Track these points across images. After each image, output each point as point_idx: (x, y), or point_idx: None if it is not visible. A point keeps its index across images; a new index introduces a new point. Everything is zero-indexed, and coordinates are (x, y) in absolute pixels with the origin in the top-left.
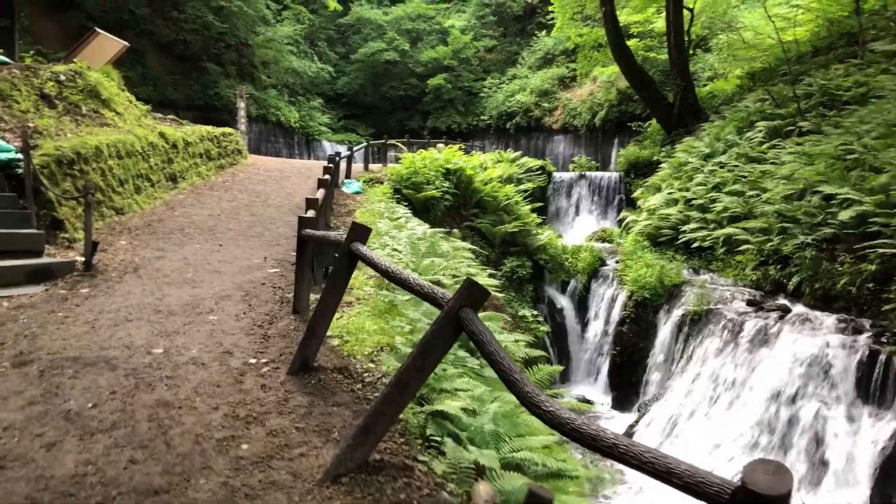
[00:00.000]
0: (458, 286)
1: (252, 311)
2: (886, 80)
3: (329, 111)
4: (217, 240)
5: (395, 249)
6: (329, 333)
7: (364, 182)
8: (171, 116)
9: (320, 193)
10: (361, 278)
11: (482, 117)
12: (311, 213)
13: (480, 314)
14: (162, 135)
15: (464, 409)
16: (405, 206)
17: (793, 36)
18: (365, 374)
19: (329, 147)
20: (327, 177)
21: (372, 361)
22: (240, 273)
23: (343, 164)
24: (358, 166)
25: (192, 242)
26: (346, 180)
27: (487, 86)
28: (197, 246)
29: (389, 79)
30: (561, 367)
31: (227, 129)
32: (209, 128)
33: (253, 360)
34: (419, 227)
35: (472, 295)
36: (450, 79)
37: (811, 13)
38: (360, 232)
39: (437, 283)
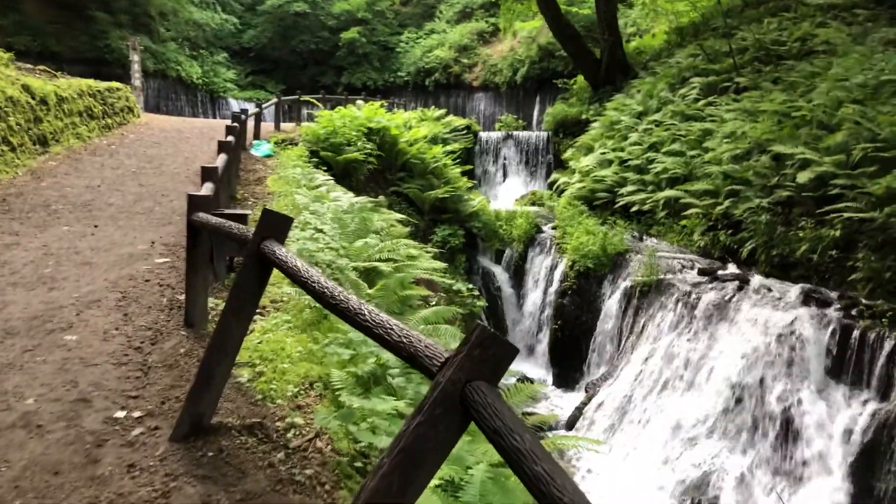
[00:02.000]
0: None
1: (128, 325)
2: (829, 34)
3: (235, 66)
4: (93, 219)
5: (318, 230)
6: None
7: (275, 144)
8: (41, 67)
9: (221, 160)
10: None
11: (399, 73)
12: (207, 189)
13: (431, 309)
14: (26, 88)
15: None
16: (324, 170)
17: None
18: (289, 434)
19: (236, 105)
20: (231, 138)
21: (298, 407)
22: (117, 265)
23: (251, 124)
24: (268, 126)
25: (59, 223)
26: (254, 142)
27: (404, 40)
28: (65, 228)
29: (300, 32)
30: (545, 387)
31: (115, 84)
32: (91, 81)
33: (120, 415)
34: (344, 197)
35: (489, 368)
36: (364, 32)
37: None
38: (277, 224)
39: (374, 271)
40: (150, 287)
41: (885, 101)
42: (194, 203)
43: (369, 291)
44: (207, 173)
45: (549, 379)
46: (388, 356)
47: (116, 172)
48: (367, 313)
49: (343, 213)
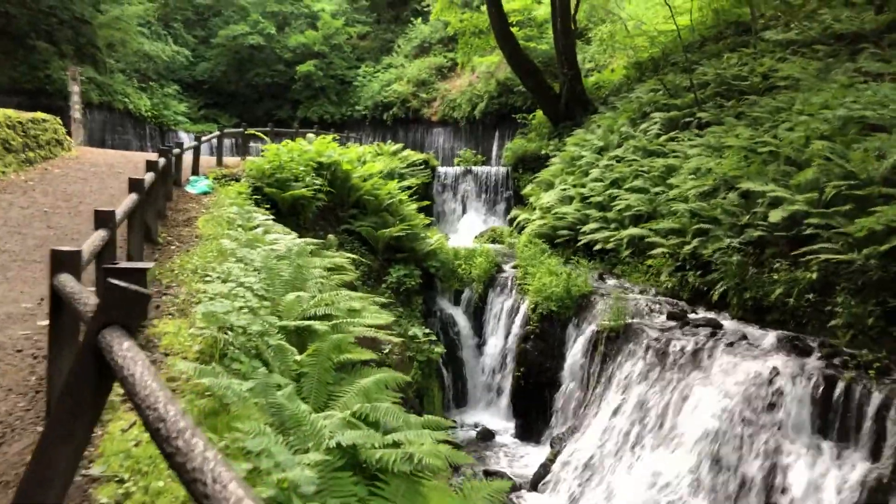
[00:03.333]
0: None
1: None
2: (792, 69)
3: (188, 99)
4: None
5: (242, 284)
6: (95, 472)
7: (215, 180)
8: None
9: (128, 201)
10: (182, 331)
11: (357, 107)
12: (96, 238)
13: (372, 378)
14: None
15: None
16: (266, 208)
17: (683, 24)
18: None
19: (187, 139)
20: (150, 175)
21: None
22: None
23: (188, 158)
24: (210, 160)
25: None
26: (191, 178)
27: (362, 74)
28: None
29: (255, 65)
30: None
31: (41, 115)
32: (10, 111)
33: None
34: (284, 240)
35: None
36: (321, 66)
37: (696, 1)
38: (127, 303)
39: (307, 330)
40: (19, 360)
41: (854, 138)
42: (58, 260)
43: (297, 358)
44: (101, 218)
45: (512, 429)
46: (298, 474)
47: (24, 212)
48: (208, 477)
49: (276, 260)
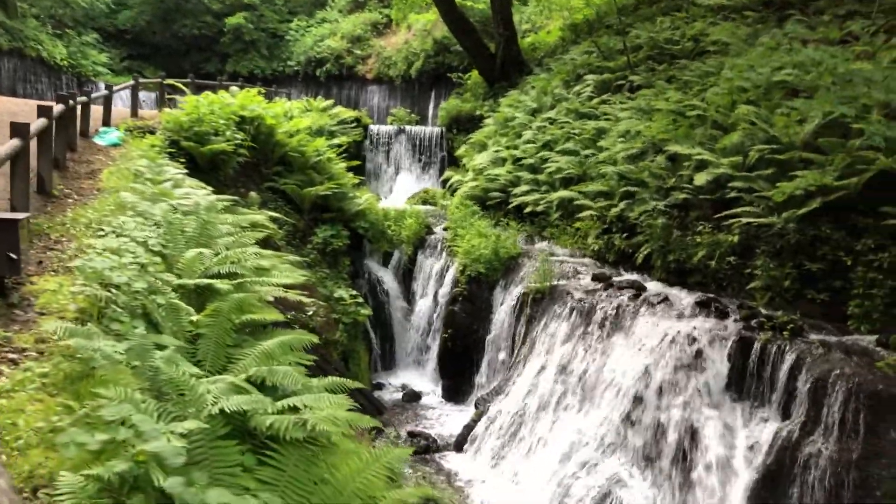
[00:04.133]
0: None
1: None
2: (721, 33)
3: (109, 49)
4: None
5: (135, 239)
6: None
7: (128, 131)
8: None
9: (5, 148)
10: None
11: (289, 63)
12: None
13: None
14: None
15: None
16: (183, 163)
17: None
18: None
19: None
20: (42, 121)
21: None
22: None
23: (97, 109)
24: (124, 112)
25: None
26: (101, 129)
27: (294, 28)
28: None
29: (182, 15)
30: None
31: None
32: None
33: None
34: (197, 194)
35: None
36: (251, 18)
37: None
38: None
39: (208, 289)
40: None
41: (778, 103)
42: None
43: (193, 319)
44: None
45: (439, 391)
46: (159, 445)
47: None
48: None
49: (182, 215)
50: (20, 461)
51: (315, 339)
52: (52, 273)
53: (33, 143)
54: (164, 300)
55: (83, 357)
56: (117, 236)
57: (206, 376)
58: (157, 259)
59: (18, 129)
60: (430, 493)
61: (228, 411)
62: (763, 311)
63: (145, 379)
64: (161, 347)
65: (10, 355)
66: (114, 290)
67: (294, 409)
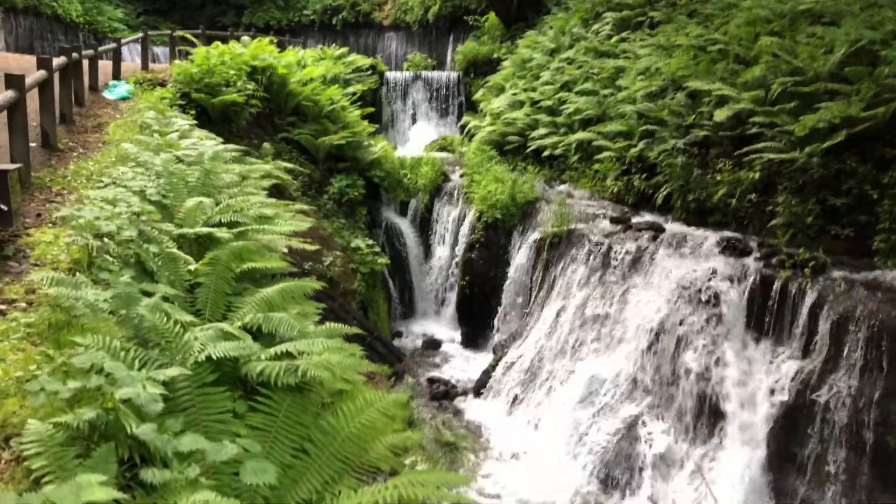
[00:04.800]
0: None
1: None
2: None
3: (124, 5)
4: None
5: (131, 190)
6: None
7: (138, 84)
8: None
9: (1, 98)
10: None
11: (305, 12)
12: None
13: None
14: None
15: None
16: (193, 115)
17: None
18: None
19: (127, 48)
20: (41, 73)
21: None
22: None
23: (105, 63)
24: (133, 65)
25: None
26: (111, 83)
27: None
28: None
29: None
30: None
31: None
32: None
33: None
34: (204, 145)
35: None
36: None
37: None
38: None
39: (209, 238)
40: None
41: (803, 32)
42: None
43: (192, 267)
44: None
45: (458, 338)
46: (131, 392)
47: None
48: None
49: (185, 166)
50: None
51: (317, 286)
52: (50, 225)
53: (35, 97)
54: (158, 249)
55: (65, 306)
56: (116, 187)
57: (203, 324)
58: (151, 208)
59: (13, 81)
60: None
61: (215, 358)
62: (784, 248)
63: (130, 327)
64: (145, 295)
65: (0, 306)
66: (106, 240)
67: (290, 356)
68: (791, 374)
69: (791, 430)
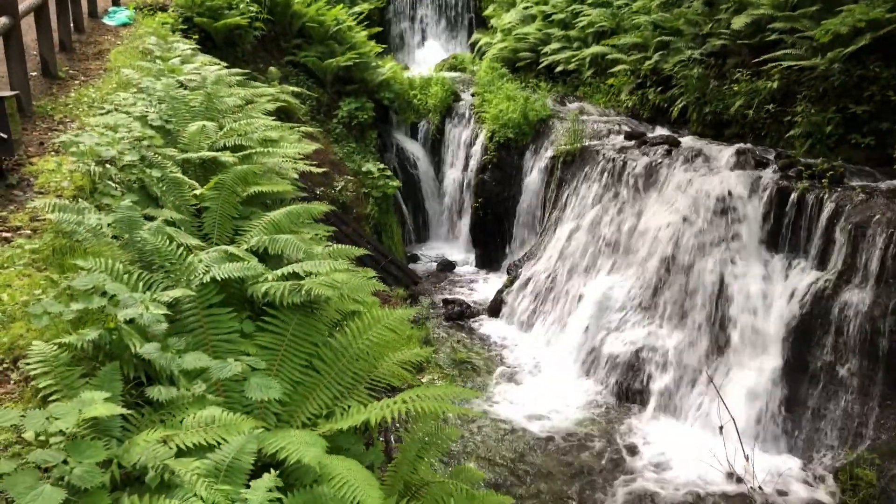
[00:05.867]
0: None
1: None
2: None
3: None
4: None
5: (132, 116)
6: None
7: (138, 10)
8: None
9: None
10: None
11: None
12: None
13: (283, 210)
14: None
15: None
16: (196, 40)
17: None
18: None
19: None
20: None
21: None
22: None
23: None
24: None
25: None
26: (111, 8)
27: None
28: None
29: None
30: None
31: None
32: None
33: None
34: (207, 70)
35: None
36: None
37: None
38: None
39: (214, 162)
40: None
41: None
42: None
43: (197, 192)
44: None
45: (472, 260)
46: (130, 312)
47: None
48: None
49: (187, 91)
50: (0, 334)
51: (325, 208)
52: (53, 153)
53: (31, 24)
54: (162, 174)
55: (67, 231)
56: (117, 113)
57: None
58: (153, 133)
59: (5, 7)
60: (426, 354)
61: (219, 279)
62: (802, 159)
63: (134, 251)
64: (147, 219)
65: (4, 234)
66: (108, 166)
67: (296, 277)
68: (807, 285)
69: (805, 340)
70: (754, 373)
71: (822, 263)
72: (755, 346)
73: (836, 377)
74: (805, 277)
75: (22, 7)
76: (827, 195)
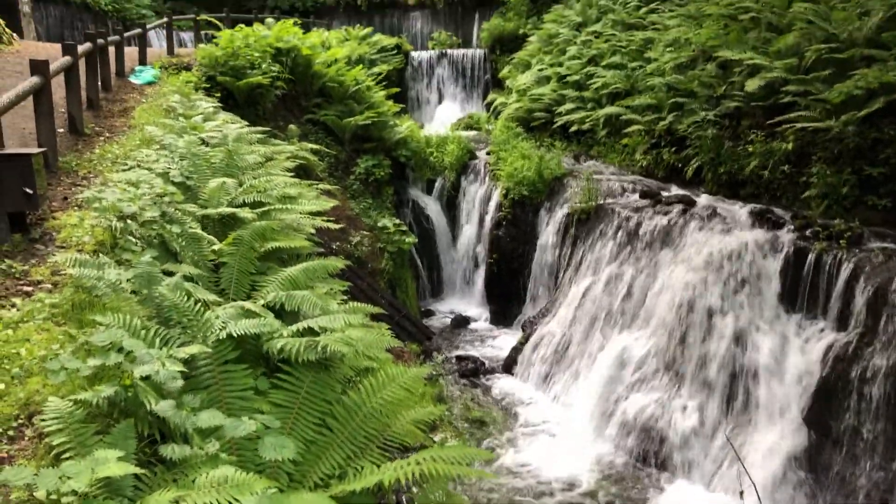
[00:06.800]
0: None
1: None
2: None
3: None
4: None
5: (154, 172)
6: None
7: (164, 69)
8: None
9: (23, 85)
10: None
11: None
12: None
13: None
14: None
15: None
16: (219, 98)
17: None
18: None
19: (154, 34)
20: (66, 59)
21: None
22: None
23: (131, 49)
24: (159, 51)
25: None
26: (137, 68)
27: None
28: None
29: None
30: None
31: None
32: None
33: None
34: (228, 127)
35: None
36: None
37: None
38: None
39: (233, 218)
40: None
41: None
42: None
43: (216, 247)
44: None
45: (487, 316)
46: (147, 369)
47: None
48: None
49: (208, 148)
50: (16, 389)
51: (341, 264)
52: (76, 208)
53: (62, 84)
54: (181, 229)
55: (87, 286)
56: (139, 169)
57: (227, 303)
58: (174, 189)
59: (38, 67)
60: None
61: (236, 335)
62: (819, 220)
63: (152, 306)
64: (166, 275)
65: (25, 288)
66: (129, 221)
67: (312, 333)
68: (827, 347)
69: (827, 403)
70: (775, 436)
71: (841, 325)
72: (775, 408)
73: (859, 441)
74: (824, 339)
75: (53, 67)
76: (845, 256)
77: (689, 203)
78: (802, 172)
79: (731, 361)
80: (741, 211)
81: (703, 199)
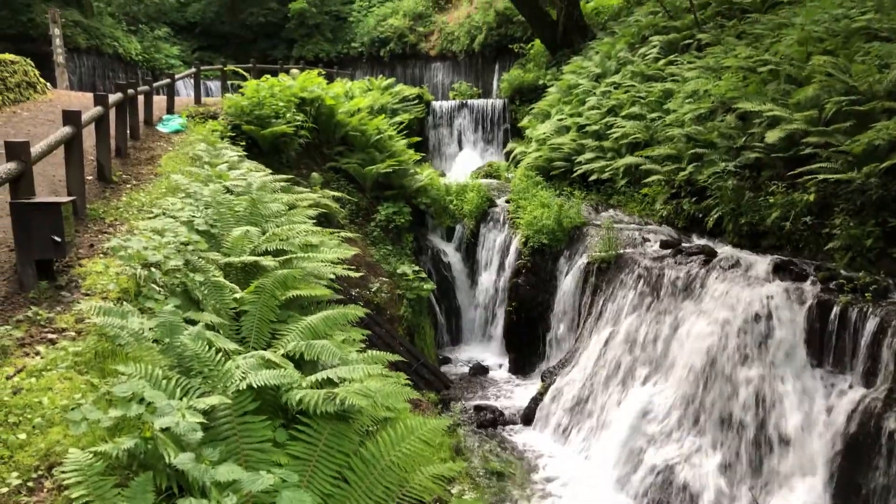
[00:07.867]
0: None
1: None
2: None
3: (181, 42)
4: None
5: (179, 220)
6: None
7: (191, 118)
8: None
9: (56, 135)
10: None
11: (353, 45)
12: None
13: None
14: None
15: None
16: (243, 146)
17: None
18: None
19: (182, 83)
20: (98, 109)
21: None
22: None
23: (160, 98)
24: (186, 100)
25: None
26: (165, 116)
27: (356, 9)
28: None
29: (248, 4)
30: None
31: (9, 57)
32: None
33: None
34: (252, 175)
35: None
36: (314, 2)
37: None
38: None
39: (256, 266)
40: None
41: (858, 48)
42: None
43: (237, 296)
44: (12, 149)
45: (506, 365)
46: (170, 421)
47: None
48: None
49: (232, 196)
50: (37, 439)
51: (360, 312)
52: (102, 256)
53: (92, 132)
54: (204, 277)
55: (110, 335)
56: (165, 217)
57: (247, 352)
58: (198, 238)
59: (70, 117)
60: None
61: (256, 386)
62: (843, 272)
63: (174, 356)
64: (189, 324)
65: (50, 335)
66: (153, 269)
67: (331, 383)
68: (853, 404)
69: (856, 460)
70: (802, 493)
71: (869, 380)
72: (802, 465)
73: (890, 501)
74: (851, 395)
75: (85, 117)
76: (871, 309)
77: (710, 254)
78: (825, 224)
79: (755, 415)
80: (763, 262)
81: (724, 250)
